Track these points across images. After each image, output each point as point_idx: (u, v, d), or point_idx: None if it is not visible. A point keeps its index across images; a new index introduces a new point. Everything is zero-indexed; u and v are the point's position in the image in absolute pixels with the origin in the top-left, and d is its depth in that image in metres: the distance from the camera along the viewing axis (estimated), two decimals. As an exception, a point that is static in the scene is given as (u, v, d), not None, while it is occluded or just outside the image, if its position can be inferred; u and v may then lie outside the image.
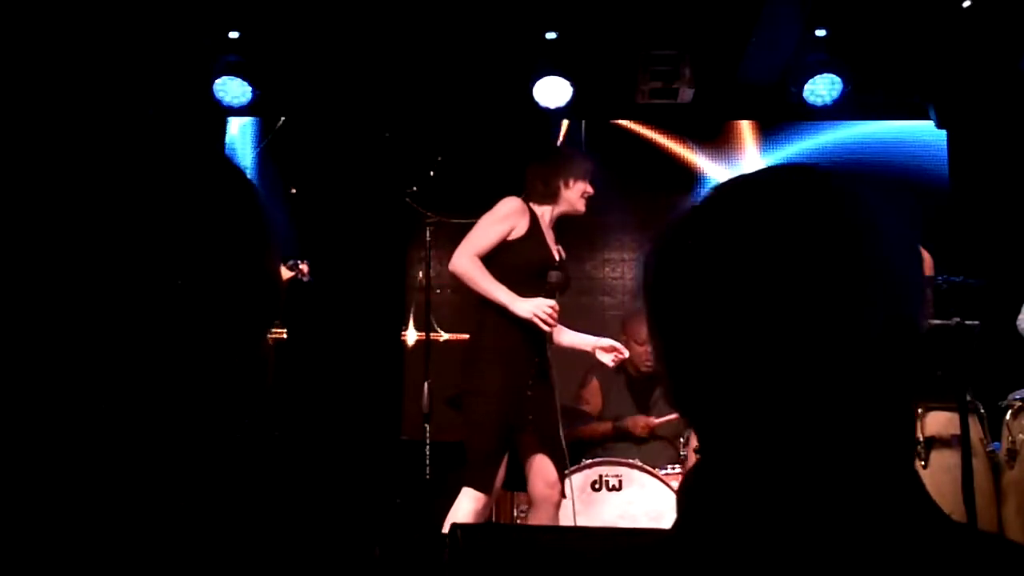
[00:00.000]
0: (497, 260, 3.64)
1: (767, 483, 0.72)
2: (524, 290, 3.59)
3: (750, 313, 0.73)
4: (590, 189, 3.79)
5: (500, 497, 3.99)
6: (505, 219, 3.65)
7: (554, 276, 3.62)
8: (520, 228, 3.67)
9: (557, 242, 3.83)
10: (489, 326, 3.60)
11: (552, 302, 3.57)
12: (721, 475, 0.75)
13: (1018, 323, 4.09)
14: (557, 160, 3.87)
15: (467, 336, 3.84)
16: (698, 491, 0.76)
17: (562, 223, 3.84)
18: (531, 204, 3.76)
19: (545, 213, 3.77)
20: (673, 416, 4.47)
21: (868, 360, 0.72)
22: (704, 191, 0.83)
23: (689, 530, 0.75)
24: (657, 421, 4.52)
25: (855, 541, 0.69)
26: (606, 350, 3.78)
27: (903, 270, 0.76)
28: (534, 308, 3.53)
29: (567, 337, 3.84)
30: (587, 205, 3.81)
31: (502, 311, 3.54)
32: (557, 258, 3.75)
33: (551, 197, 3.77)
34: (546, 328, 3.55)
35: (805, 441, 0.73)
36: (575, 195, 3.77)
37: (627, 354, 3.84)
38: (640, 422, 4.54)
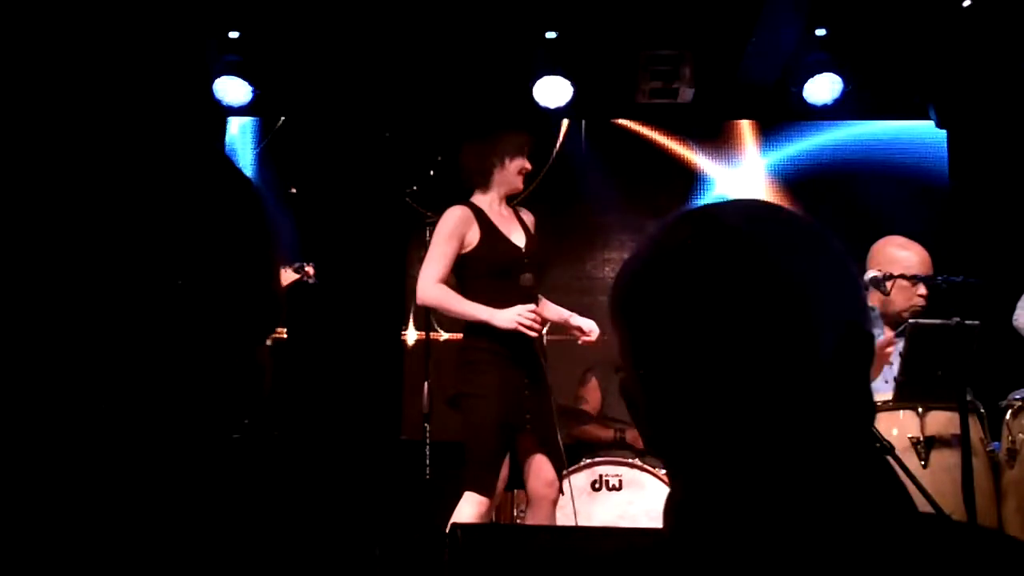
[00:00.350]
0: (464, 272, 3.60)
1: (746, 495, 0.75)
2: (500, 291, 3.53)
3: (710, 345, 0.77)
4: (528, 164, 3.70)
5: (500, 497, 3.98)
6: (453, 235, 3.58)
7: (526, 279, 3.55)
8: (472, 236, 3.60)
9: (521, 221, 3.76)
10: (480, 328, 3.55)
11: (532, 306, 3.50)
12: (700, 492, 0.78)
13: (1014, 320, 4.09)
14: (489, 138, 3.76)
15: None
16: (682, 509, 0.79)
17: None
18: (474, 199, 3.69)
19: (492, 202, 3.69)
20: None
21: (826, 366, 0.78)
22: (707, 191, 0.87)
23: (683, 535, 0.77)
24: None
25: (845, 545, 0.71)
26: (574, 329, 3.71)
27: (842, 290, 0.82)
28: (515, 317, 3.45)
29: (549, 311, 3.77)
30: (524, 183, 3.71)
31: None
32: (522, 244, 3.67)
33: (488, 179, 3.69)
34: (532, 334, 3.48)
35: (779, 448, 0.76)
36: (511, 173, 3.68)
37: (593, 337, 3.68)
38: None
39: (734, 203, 0.90)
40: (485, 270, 3.58)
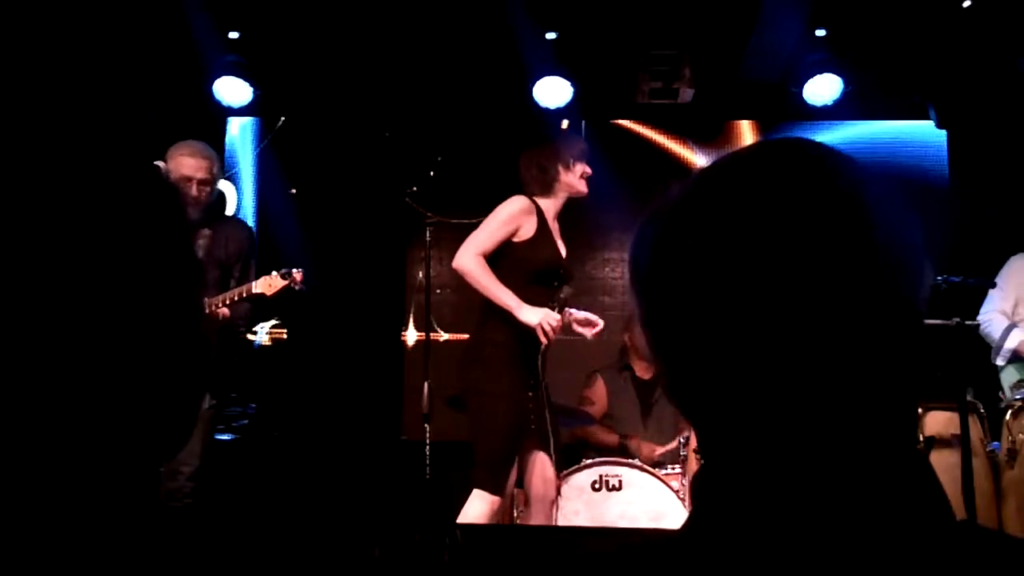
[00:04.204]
0: (506, 261, 3.59)
1: (773, 479, 0.71)
2: (531, 290, 3.54)
3: (748, 300, 0.70)
4: (588, 169, 3.70)
5: (510, 497, 3.96)
6: (512, 220, 3.58)
7: (565, 291, 3.58)
8: (528, 229, 3.60)
9: (561, 235, 3.78)
10: (495, 325, 3.55)
11: (558, 316, 3.52)
12: (727, 473, 0.73)
13: (981, 325, 4.08)
14: (551, 144, 3.79)
15: (468, 335, 3.81)
16: (708, 490, 0.74)
17: (562, 221, 3.81)
18: (535, 199, 3.70)
19: (549, 207, 3.70)
20: (674, 444, 4.47)
21: (870, 344, 0.70)
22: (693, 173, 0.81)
23: (697, 530, 0.73)
24: (660, 451, 4.52)
25: (867, 535, 0.68)
26: (581, 322, 3.71)
27: (903, 248, 0.73)
28: (543, 319, 3.46)
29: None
30: (588, 193, 3.72)
31: (507, 312, 3.50)
32: (564, 255, 3.72)
33: (551, 185, 3.68)
34: (544, 340, 3.48)
35: (810, 433, 0.70)
36: (575, 177, 3.68)
37: (601, 324, 3.72)
38: (644, 449, 4.54)
39: (758, 148, 0.79)
40: (527, 267, 3.58)
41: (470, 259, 3.53)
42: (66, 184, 0.70)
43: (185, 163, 3.73)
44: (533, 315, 3.46)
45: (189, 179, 3.71)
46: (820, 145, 0.76)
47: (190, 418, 0.76)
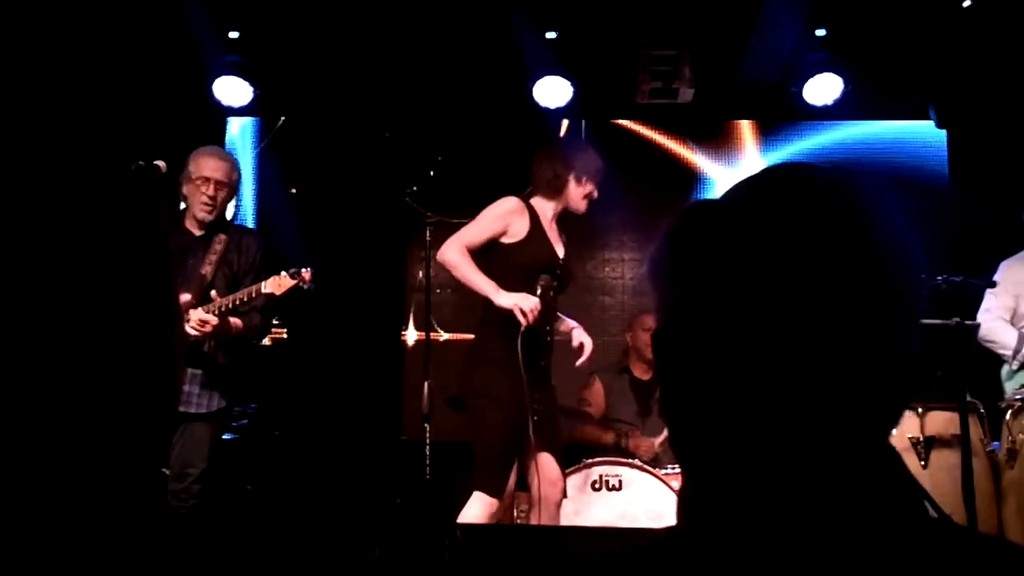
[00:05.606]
0: (500, 263, 3.60)
1: (768, 491, 0.73)
2: (528, 290, 3.55)
3: (755, 318, 0.73)
4: (596, 193, 3.73)
5: (510, 499, 3.96)
6: (500, 219, 3.60)
7: (544, 280, 3.59)
8: (518, 229, 3.61)
9: (561, 236, 3.78)
10: (495, 330, 3.55)
11: (537, 301, 3.51)
12: (721, 484, 0.75)
13: (982, 331, 4.04)
14: (571, 153, 3.81)
15: (468, 336, 3.80)
16: (697, 501, 0.76)
17: (562, 221, 3.81)
18: (533, 200, 3.70)
19: (547, 209, 3.71)
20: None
21: (871, 368, 0.73)
22: (707, 191, 0.83)
23: (690, 532, 0.75)
24: (659, 444, 4.51)
25: (856, 548, 0.70)
26: (573, 341, 3.73)
27: (906, 285, 0.75)
28: (518, 300, 3.46)
29: (559, 321, 3.81)
30: (588, 208, 3.77)
31: (508, 314, 3.50)
32: (561, 255, 3.73)
33: (557, 190, 3.70)
34: (523, 321, 3.45)
35: (802, 450, 0.73)
36: (581, 193, 3.70)
37: (584, 357, 3.72)
38: (643, 445, 4.51)
39: (774, 172, 0.82)
40: (521, 268, 3.59)
41: (454, 252, 3.56)
42: (35, 186, 0.70)
43: (206, 163, 3.78)
44: (507, 299, 3.47)
45: (207, 179, 3.76)
46: (849, 181, 0.80)
47: (163, 416, 0.76)
